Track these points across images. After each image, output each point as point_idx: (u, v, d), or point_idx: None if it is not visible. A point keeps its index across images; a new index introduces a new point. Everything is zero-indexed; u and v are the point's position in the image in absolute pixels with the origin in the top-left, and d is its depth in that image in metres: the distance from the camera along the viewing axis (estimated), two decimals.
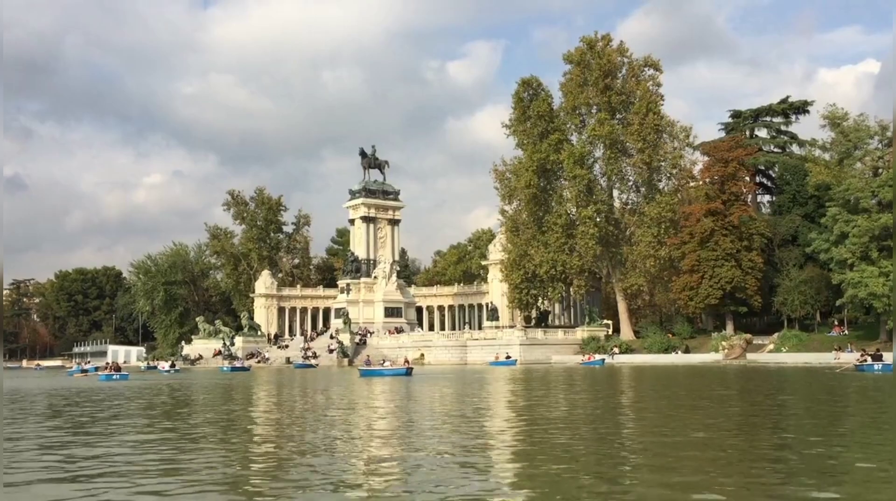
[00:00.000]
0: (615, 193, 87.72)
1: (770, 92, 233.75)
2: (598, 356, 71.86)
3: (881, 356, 46.27)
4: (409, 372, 49.00)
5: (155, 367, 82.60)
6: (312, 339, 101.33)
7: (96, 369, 66.13)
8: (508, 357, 72.85)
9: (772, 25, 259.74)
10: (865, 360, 46.38)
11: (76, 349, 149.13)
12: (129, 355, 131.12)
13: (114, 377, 53.04)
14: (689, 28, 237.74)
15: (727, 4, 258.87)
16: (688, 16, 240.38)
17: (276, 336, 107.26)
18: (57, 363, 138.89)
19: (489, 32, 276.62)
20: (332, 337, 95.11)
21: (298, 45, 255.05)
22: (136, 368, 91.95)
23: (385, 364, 54.30)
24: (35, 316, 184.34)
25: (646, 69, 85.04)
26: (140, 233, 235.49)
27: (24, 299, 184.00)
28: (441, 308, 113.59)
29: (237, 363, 79.79)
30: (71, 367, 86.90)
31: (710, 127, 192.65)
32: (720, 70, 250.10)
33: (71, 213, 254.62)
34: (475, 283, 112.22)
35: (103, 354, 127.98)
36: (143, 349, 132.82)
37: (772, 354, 67.25)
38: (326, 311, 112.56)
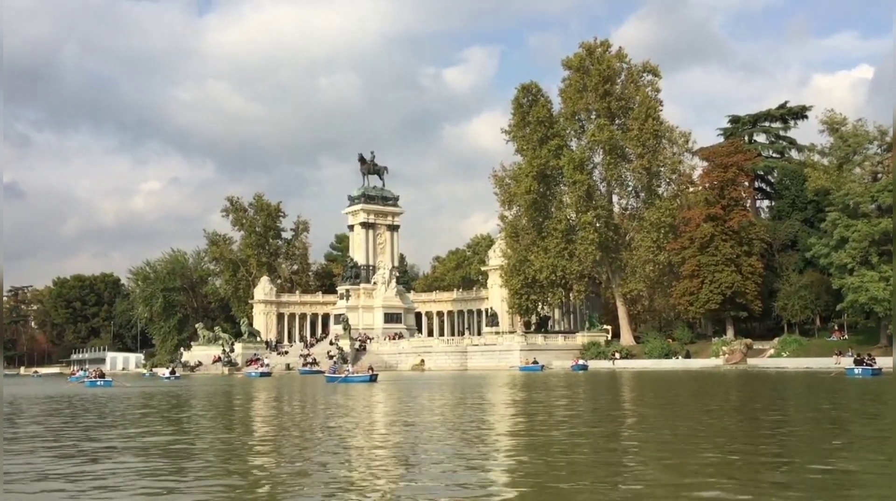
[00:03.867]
0: (615, 198, 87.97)
1: (765, 97, 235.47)
2: (580, 362, 72.89)
3: (863, 361, 48.31)
4: (373, 379, 49.70)
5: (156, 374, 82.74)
6: (312, 345, 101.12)
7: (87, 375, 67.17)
8: (535, 362, 72.88)
9: (766, 31, 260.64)
10: (871, 363, 47.74)
11: (74, 356, 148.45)
12: (127, 361, 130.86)
13: (98, 383, 56.08)
14: (684, 34, 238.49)
15: (721, 10, 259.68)
16: (682, 21, 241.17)
17: (276, 342, 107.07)
18: (55, 370, 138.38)
19: (485, 38, 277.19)
20: (331, 343, 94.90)
21: (295, 52, 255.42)
22: (138, 375, 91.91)
23: (349, 372, 55.76)
24: (33, 323, 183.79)
25: (645, 75, 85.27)
26: (137, 240, 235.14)
27: (22, 306, 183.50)
28: (440, 314, 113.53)
29: (262, 369, 80.00)
30: (74, 373, 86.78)
31: (705, 132, 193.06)
32: (715, 76, 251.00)
33: (68, 220, 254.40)
34: (474, 288, 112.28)
35: (102, 361, 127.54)
36: (141, 356, 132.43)
37: (772, 359, 67.29)
38: (325, 317, 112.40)
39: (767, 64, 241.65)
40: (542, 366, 71.61)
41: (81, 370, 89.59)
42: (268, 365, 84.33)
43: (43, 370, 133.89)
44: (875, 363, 48.28)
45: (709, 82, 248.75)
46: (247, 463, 13.48)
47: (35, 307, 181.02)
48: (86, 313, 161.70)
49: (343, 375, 53.90)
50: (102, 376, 60.44)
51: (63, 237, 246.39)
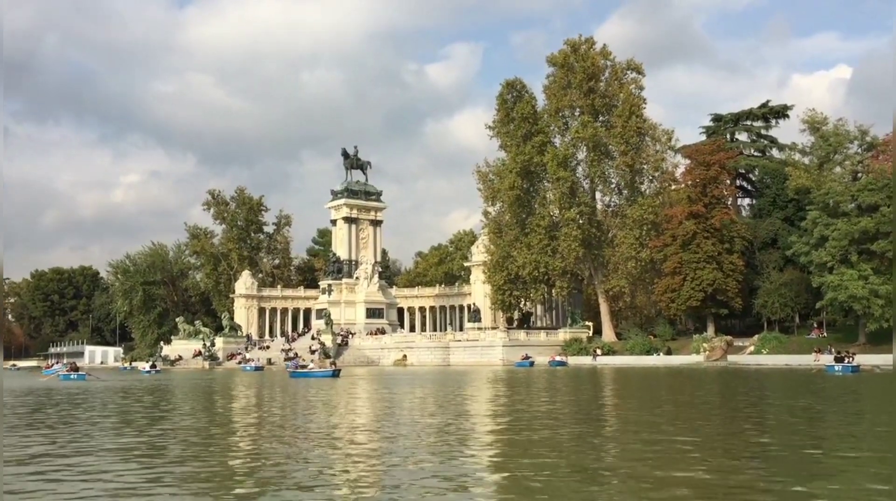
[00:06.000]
0: (598, 195, 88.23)
1: (747, 96, 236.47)
2: (558, 358, 73.67)
3: (843, 358, 49.57)
4: (335, 374, 50.00)
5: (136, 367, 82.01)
6: (294, 340, 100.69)
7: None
8: (527, 357, 73.06)
9: (748, 31, 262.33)
10: (850, 361, 48.45)
11: (52, 350, 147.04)
12: (106, 355, 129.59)
13: (71, 376, 55.89)
14: (666, 33, 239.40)
15: (703, 9, 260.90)
16: (664, 20, 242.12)
17: (258, 337, 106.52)
18: (33, 363, 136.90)
19: (468, 35, 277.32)
20: (313, 338, 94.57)
21: (277, 46, 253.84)
22: (116, 368, 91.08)
23: (311, 367, 56.60)
24: (10, 316, 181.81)
25: (628, 72, 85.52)
26: (117, 233, 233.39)
27: None
28: (422, 309, 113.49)
29: (255, 364, 79.53)
30: (48, 367, 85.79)
31: (688, 131, 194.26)
32: (697, 75, 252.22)
33: (47, 212, 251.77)
34: (457, 284, 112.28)
35: (80, 354, 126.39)
36: (120, 350, 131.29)
37: (752, 356, 67.84)
38: (307, 312, 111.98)
39: (748, 63, 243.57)
40: (532, 362, 71.91)
41: (58, 363, 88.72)
42: (258, 360, 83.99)
43: (21, 364, 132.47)
44: (854, 360, 48.95)
45: (691, 81, 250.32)
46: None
47: (12, 300, 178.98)
48: (64, 306, 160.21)
49: (307, 370, 54.71)
50: (76, 369, 59.92)
51: (41, 230, 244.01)
